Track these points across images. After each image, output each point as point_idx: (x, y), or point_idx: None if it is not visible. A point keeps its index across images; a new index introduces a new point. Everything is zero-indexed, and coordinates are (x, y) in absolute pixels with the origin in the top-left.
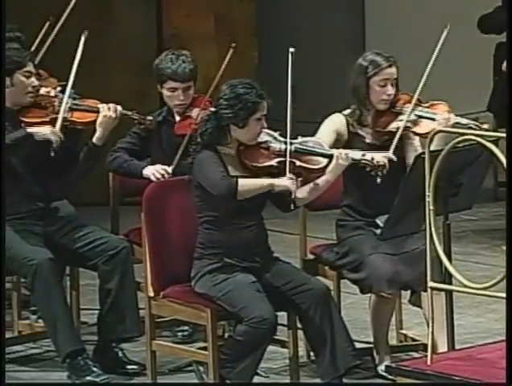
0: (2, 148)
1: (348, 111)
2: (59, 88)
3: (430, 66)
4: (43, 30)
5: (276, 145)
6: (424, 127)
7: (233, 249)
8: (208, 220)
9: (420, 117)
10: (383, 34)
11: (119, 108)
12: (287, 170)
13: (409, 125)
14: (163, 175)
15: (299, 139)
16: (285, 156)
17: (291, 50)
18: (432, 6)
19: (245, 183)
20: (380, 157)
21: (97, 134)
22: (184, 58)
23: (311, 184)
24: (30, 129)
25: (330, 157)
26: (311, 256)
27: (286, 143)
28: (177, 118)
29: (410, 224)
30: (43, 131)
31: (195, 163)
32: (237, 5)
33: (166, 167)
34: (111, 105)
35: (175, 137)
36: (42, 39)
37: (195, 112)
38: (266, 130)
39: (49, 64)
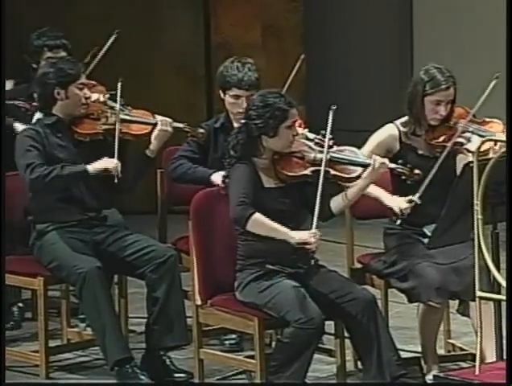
0: (1, 147)
1: (402, 120)
2: (107, 96)
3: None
4: (110, 42)
5: (311, 154)
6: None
7: (273, 256)
8: (245, 232)
9: (474, 134)
10: (431, 42)
11: (170, 120)
12: (320, 181)
13: (462, 140)
14: None
15: (335, 148)
16: (320, 165)
17: (333, 107)
18: (482, 19)
19: (260, 220)
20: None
21: (152, 147)
22: (250, 66)
23: (346, 192)
24: (89, 167)
25: (365, 166)
26: (358, 265)
27: (321, 152)
28: (235, 125)
29: (458, 233)
30: (100, 166)
31: (229, 174)
32: (284, 13)
33: None
34: (166, 119)
35: None
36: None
37: None
38: (302, 139)
39: (98, 75)
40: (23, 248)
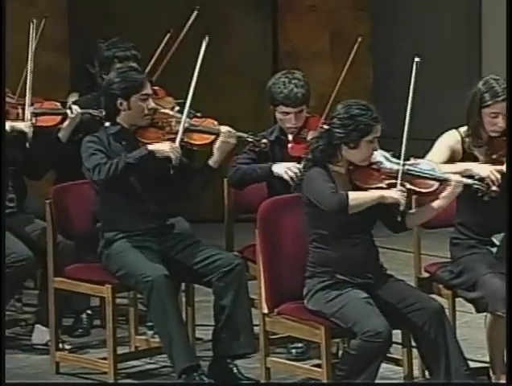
0: (1, 147)
1: (464, 129)
2: (177, 108)
3: None
4: (163, 43)
5: (387, 167)
6: None
7: (344, 266)
8: (318, 239)
9: None
10: (500, 51)
11: (233, 131)
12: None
13: None
14: (296, 174)
15: (411, 160)
16: (396, 178)
17: (417, 59)
18: None
19: (356, 197)
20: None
21: (214, 158)
22: (297, 82)
23: (424, 208)
24: (150, 147)
25: (442, 181)
26: (425, 275)
27: (397, 164)
28: (290, 137)
29: None
30: (163, 148)
31: (304, 180)
32: (352, 22)
33: (298, 165)
34: (230, 130)
35: (290, 158)
36: (160, 53)
37: (310, 136)
38: (379, 150)
39: (166, 81)
40: (91, 256)
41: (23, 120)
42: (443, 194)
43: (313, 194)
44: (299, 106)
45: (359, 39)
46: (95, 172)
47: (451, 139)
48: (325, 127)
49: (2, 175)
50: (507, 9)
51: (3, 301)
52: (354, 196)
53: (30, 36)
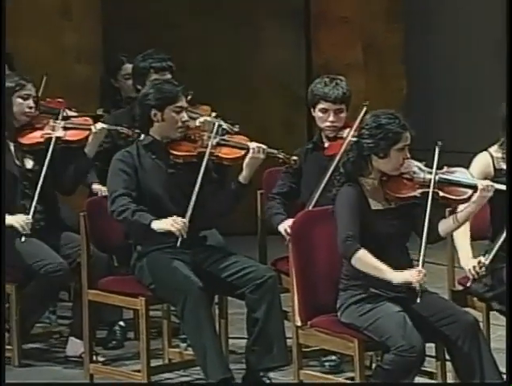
0: (2, 145)
1: (495, 146)
2: (214, 114)
3: None
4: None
5: (420, 176)
6: None
7: (378, 280)
8: None
9: None
10: None
11: (264, 147)
12: (429, 204)
13: None
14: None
15: (444, 169)
16: (429, 187)
17: (440, 143)
18: None
19: (364, 258)
20: None
21: (244, 174)
22: (338, 81)
23: (455, 215)
24: (154, 223)
25: (475, 187)
26: (459, 287)
27: (430, 173)
28: (326, 144)
29: None
30: (165, 226)
31: (337, 197)
32: (385, 33)
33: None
34: (259, 146)
35: (324, 160)
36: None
37: (346, 133)
38: (411, 160)
39: (200, 94)
40: (124, 268)
41: (53, 130)
42: (473, 199)
43: (337, 222)
44: (339, 104)
45: (365, 103)
46: (109, 199)
47: (482, 163)
48: (354, 139)
49: (1, 176)
50: (507, 9)
51: (3, 301)
52: (363, 256)
53: (41, 89)
